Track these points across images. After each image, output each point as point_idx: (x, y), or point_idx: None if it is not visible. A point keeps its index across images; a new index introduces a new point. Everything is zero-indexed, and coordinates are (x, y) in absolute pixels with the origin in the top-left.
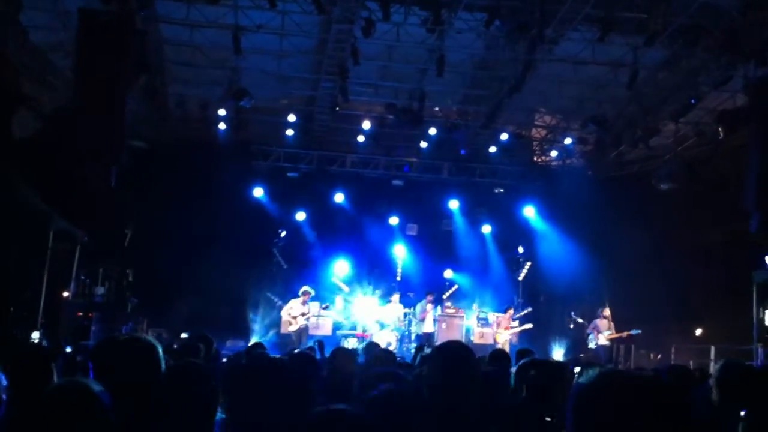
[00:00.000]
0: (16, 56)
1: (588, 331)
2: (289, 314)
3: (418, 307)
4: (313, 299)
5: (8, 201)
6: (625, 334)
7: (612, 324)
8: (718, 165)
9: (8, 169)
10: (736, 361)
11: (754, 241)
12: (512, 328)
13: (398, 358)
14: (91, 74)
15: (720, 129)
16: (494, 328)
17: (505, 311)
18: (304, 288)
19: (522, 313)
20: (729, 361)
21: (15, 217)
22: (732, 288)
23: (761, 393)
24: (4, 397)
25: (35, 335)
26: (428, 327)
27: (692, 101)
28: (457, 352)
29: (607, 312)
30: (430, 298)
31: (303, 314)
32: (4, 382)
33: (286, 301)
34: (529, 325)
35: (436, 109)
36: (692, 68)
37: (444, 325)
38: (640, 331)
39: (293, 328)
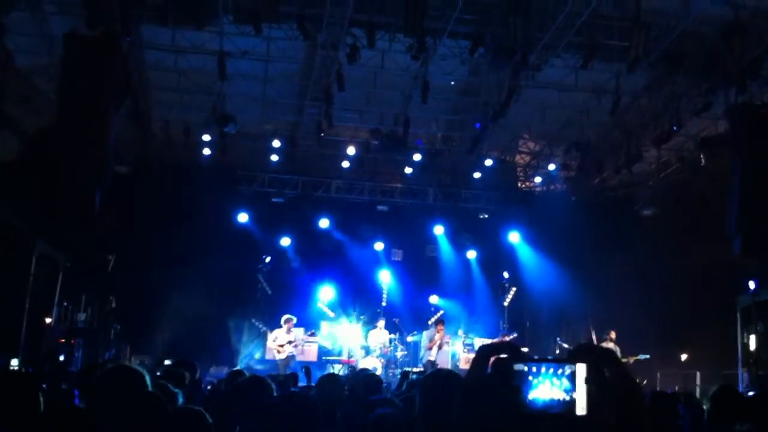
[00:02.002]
0: None
1: None
2: (275, 343)
3: (425, 335)
4: (298, 325)
5: None
6: (631, 360)
7: (618, 348)
8: (700, 190)
9: None
10: (729, 386)
11: (736, 265)
12: None
13: (384, 384)
14: (75, 98)
15: (702, 155)
16: None
17: (501, 338)
18: (286, 316)
19: (507, 339)
20: (724, 386)
21: None
22: (716, 312)
23: (751, 416)
24: None
25: (14, 362)
26: (434, 355)
27: (674, 128)
28: (446, 381)
29: (612, 335)
30: (440, 327)
31: (290, 342)
32: None
33: (271, 328)
34: (525, 349)
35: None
36: (674, 94)
37: None
38: (648, 357)
39: (281, 356)
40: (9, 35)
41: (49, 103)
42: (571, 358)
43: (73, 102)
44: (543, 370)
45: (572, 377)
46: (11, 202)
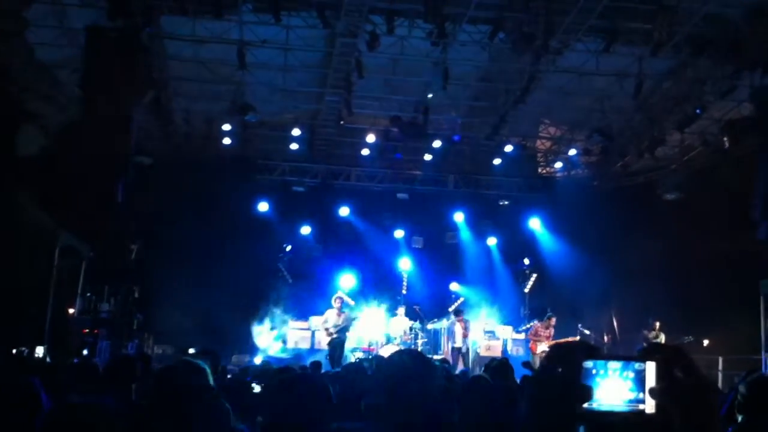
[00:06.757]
0: (21, 73)
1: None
2: (324, 325)
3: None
4: (319, 314)
5: (14, 218)
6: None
7: (662, 334)
8: (724, 174)
9: (14, 187)
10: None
11: (761, 250)
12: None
13: None
14: (97, 90)
15: (726, 138)
16: (531, 338)
17: (545, 319)
18: (337, 294)
19: (529, 325)
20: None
21: (21, 234)
22: (739, 298)
23: None
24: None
25: (40, 350)
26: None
27: (698, 111)
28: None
29: (657, 325)
30: (460, 317)
31: (336, 326)
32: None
33: (292, 316)
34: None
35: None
36: (697, 78)
37: None
38: (692, 338)
39: (329, 341)
40: (30, 29)
41: (71, 96)
42: (640, 356)
43: (96, 95)
44: (610, 368)
45: (641, 376)
46: (35, 196)
